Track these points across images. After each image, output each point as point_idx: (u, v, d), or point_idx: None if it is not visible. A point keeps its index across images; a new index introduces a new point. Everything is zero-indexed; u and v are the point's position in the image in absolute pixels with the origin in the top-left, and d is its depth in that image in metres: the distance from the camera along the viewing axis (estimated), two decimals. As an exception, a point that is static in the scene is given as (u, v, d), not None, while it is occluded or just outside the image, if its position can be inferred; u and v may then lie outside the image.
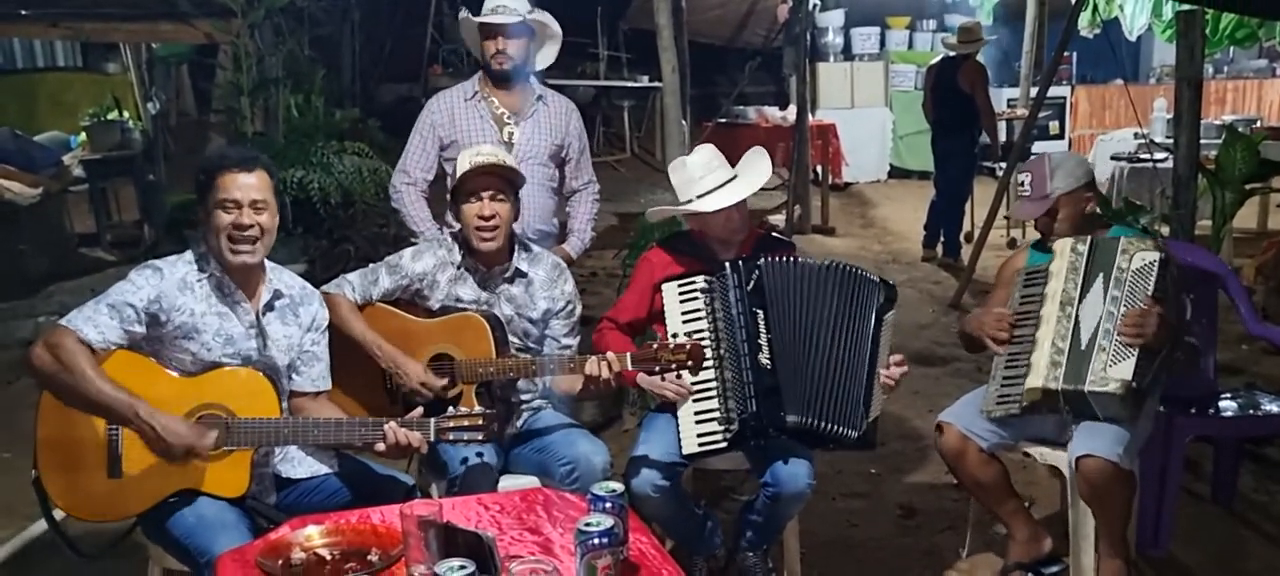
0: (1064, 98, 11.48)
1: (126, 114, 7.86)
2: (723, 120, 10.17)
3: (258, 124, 6.57)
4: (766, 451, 2.92)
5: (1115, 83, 11.16)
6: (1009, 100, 10.17)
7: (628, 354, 2.73)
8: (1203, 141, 5.06)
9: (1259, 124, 9.01)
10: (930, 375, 5.36)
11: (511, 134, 3.62)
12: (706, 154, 3.11)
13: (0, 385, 5.25)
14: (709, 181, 3.03)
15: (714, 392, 2.86)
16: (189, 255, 2.57)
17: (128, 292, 2.45)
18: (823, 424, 2.85)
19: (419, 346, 2.90)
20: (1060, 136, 11.31)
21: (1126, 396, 2.81)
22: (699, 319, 2.89)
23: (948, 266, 7.72)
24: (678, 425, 2.87)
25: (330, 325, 2.78)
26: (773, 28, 12.20)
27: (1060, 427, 3.03)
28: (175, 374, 2.49)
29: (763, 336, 2.86)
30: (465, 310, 2.95)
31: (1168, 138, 7.11)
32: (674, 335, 2.83)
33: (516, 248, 3.03)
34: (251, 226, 2.50)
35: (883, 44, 12.12)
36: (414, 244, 3.32)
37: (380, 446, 2.45)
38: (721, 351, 2.86)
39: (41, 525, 2.72)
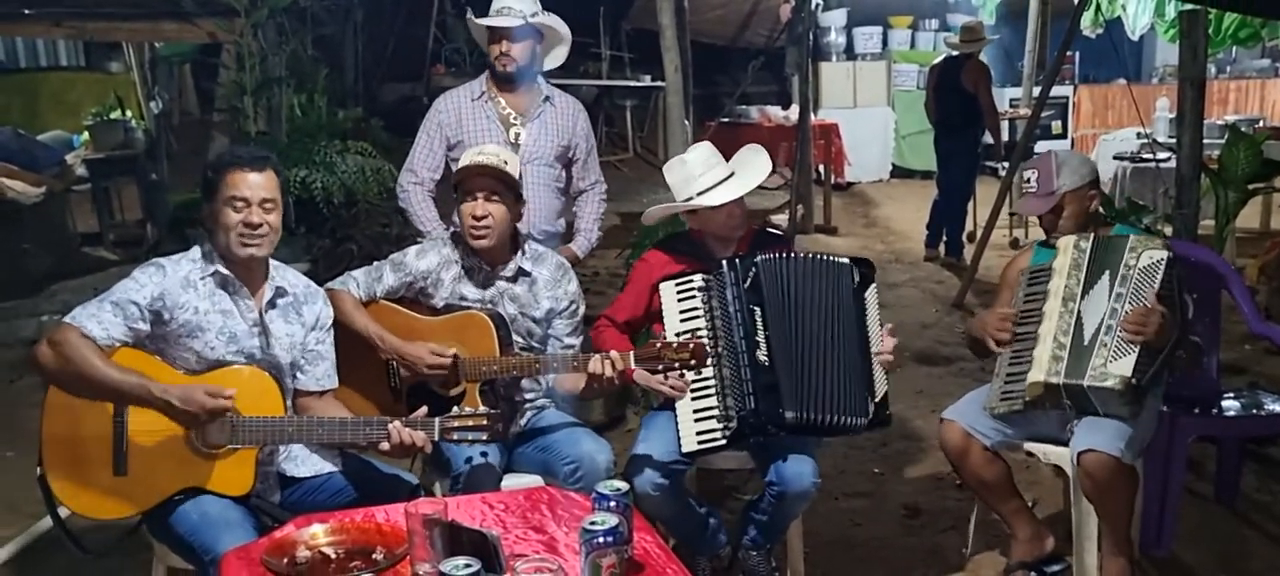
0: (1067, 97, 11.48)
1: (129, 113, 7.87)
2: (725, 120, 10.18)
3: (261, 123, 6.57)
4: (768, 448, 2.92)
5: (1118, 82, 11.14)
6: (1011, 100, 10.16)
7: (630, 353, 2.73)
8: (1205, 141, 5.06)
9: (1262, 124, 9.00)
10: (934, 374, 5.36)
11: (518, 134, 3.62)
12: (704, 151, 3.11)
13: (3, 383, 5.25)
14: (709, 178, 3.04)
15: (713, 390, 2.87)
16: (193, 253, 2.58)
17: (131, 290, 2.45)
18: (826, 417, 2.86)
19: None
20: (1063, 136, 11.31)
21: (1126, 392, 2.82)
22: (697, 317, 2.90)
23: (950, 266, 7.71)
24: (677, 423, 2.87)
25: (335, 323, 2.78)
26: (775, 27, 12.20)
27: (1062, 425, 3.03)
28: (180, 372, 2.49)
29: (760, 333, 2.86)
30: (469, 309, 2.95)
31: (1170, 137, 7.11)
32: (677, 334, 2.84)
33: (521, 247, 3.03)
34: (261, 225, 2.51)
35: (885, 43, 12.12)
36: (418, 243, 3.32)
37: (384, 445, 2.45)
38: (719, 349, 2.86)
39: (46, 522, 2.72)
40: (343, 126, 6.88)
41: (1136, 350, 2.82)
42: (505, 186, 2.93)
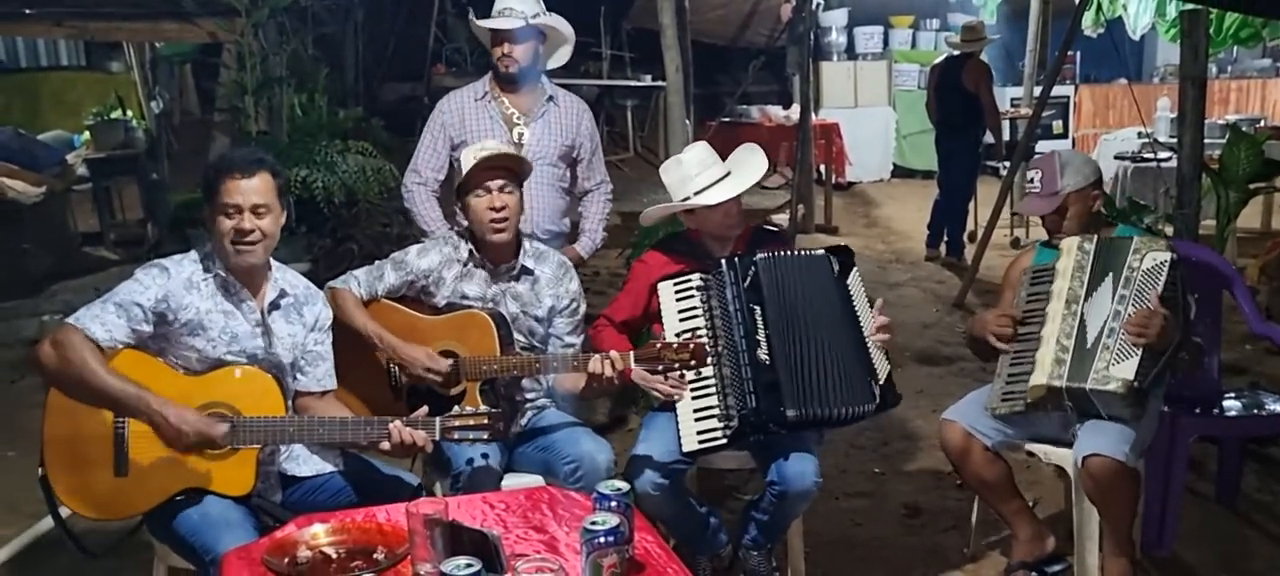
0: (1068, 97, 11.48)
1: (130, 113, 7.87)
2: (726, 119, 10.17)
3: (261, 123, 6.58)
4: (769, 447, 2.92)
5: (1119, 82, 11.14)
6: (1012, 99, 10.16)
7: (630, 353, 2.73)
8: (1207, 141, 5.06)
9: (1263, 123, 8.99)
10: (934, 374, 5.36)
11: (521, 134, 3.62)
12: (701, 151, 3.11)
13: (4, 384, 5.26)
14: (705, 177, 3.04)
15: (713, 389, 2.87)
16: (194, 254, 2.58)
17: (135, 292, 2.45)
18: (831, 410, 2.86)
19: (424, 343, 2.90)
20: (1064, 135, 11.30)
21: (1128, 395, 2.82)
22: (695, 316, 2.90)
23: (951, 266, 7.71)
24: (677, 423, 2.87)
25: (335, 323, 2.79)
26: (776, 27, 12.20)
27: (1064, 426, 3.02)
28: (181, 372, 2.50)
29: (760, 332, 2.86)
30: (471, 308, 2.95)
31: (1171, 137, 7.11)
32: (677, 334, 2.84)
33: (523, 245, 3.04)
34: (252, 231, 2.50)
35: (886, 43, 12.12)
36: (420, 242, 3.32)
37: (385, 445, 2.45)
38: (719, 348, 2.86)
39: (47, 522, 2.72)
40: (343, 126, 6.88)
41: (1139, 353, 2.81)
42: (515, 178, 2.94)
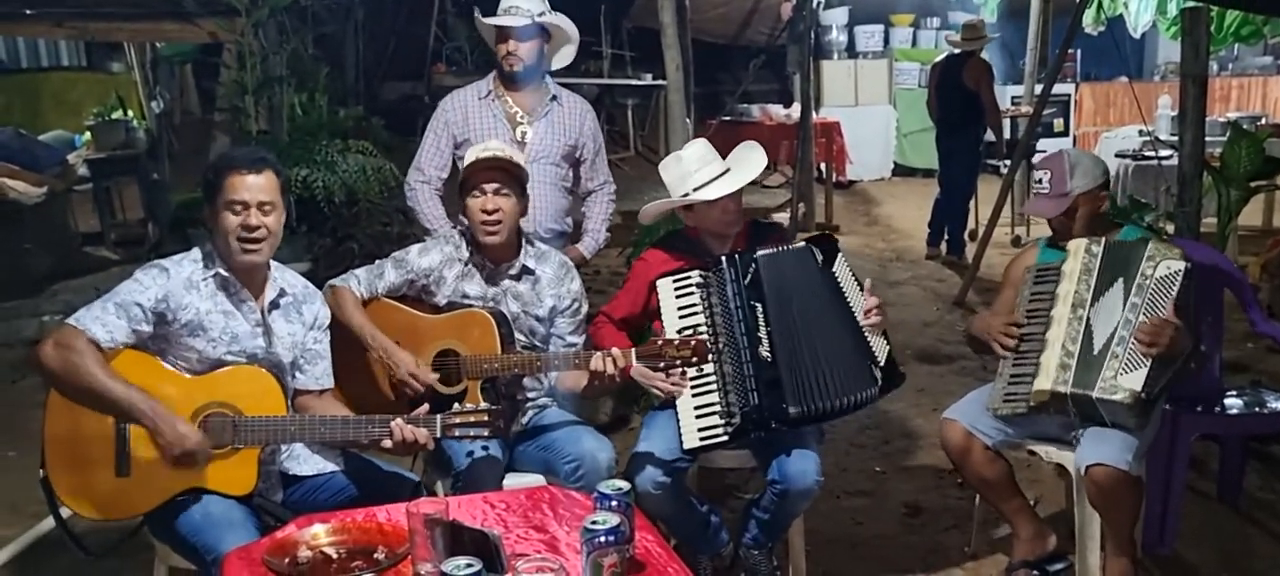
0: (1068, 95, 11.47)
1: (131, 113, 7.87)
2: (727, 118, 10.17)
3: (262, 122, 6.58)
4: (770, 446, 2.92)
5: (1120, 80, 11.13)
6: (1013, 98, 10.15)
7: (632, 350, 2.73)
8: (1208, 139, 5.05)
9: (1264, 121, 8.99)
10: (935, 373, 5.36)
11: (525, 133, 3.62)
12: (700, 148, 3.10)
13: (5, 384, 5.26)
14: (705, 173, 3.03)
15: (714, 386, 2.87)
16: (195, 254, 2.58)
17: (135, 292, 2.45)
18: (833, 403, 2.85)
19: (425, 342, 2.91)
20: (1065, 133, 11.30)
21: (1135, 405, 2.79)
22: (695, 313, 2.90)
23: (952, 264, 7.71)
24: (678, 420, 2.87)
25: (335, 322, 2.79)
26: (776, 25, 12.20)
27: (1066, 427, 3.01)
28: (182, 372, 2.50)
29: (762, 329, 2.86)
30: (471, 306, 2.95)
31: (1172, 135, 7.11)
32: (678, 331, 2.84)
33: (524, 245, 3.03)
34: (258, 227, 2.50)
35: (887, 42, 12.12)
36: (421, 241, 3.32)
37: (387, 443, 2.45)
38: (720, 345, 2.86)
39: (48, 523, 2.72)
40: (344, 125, 6.88)
41: (1149, 363, 2.78)
42: (513, 181, 2.94)
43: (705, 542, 3.11)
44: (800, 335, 2.87)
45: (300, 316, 2.67)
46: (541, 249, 3.10)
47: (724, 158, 3.11)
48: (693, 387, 2.87)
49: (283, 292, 2.65)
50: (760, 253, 2.93)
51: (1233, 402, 3.51)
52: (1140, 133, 8.06)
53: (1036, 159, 3.50)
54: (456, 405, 2.49)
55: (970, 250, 7.37)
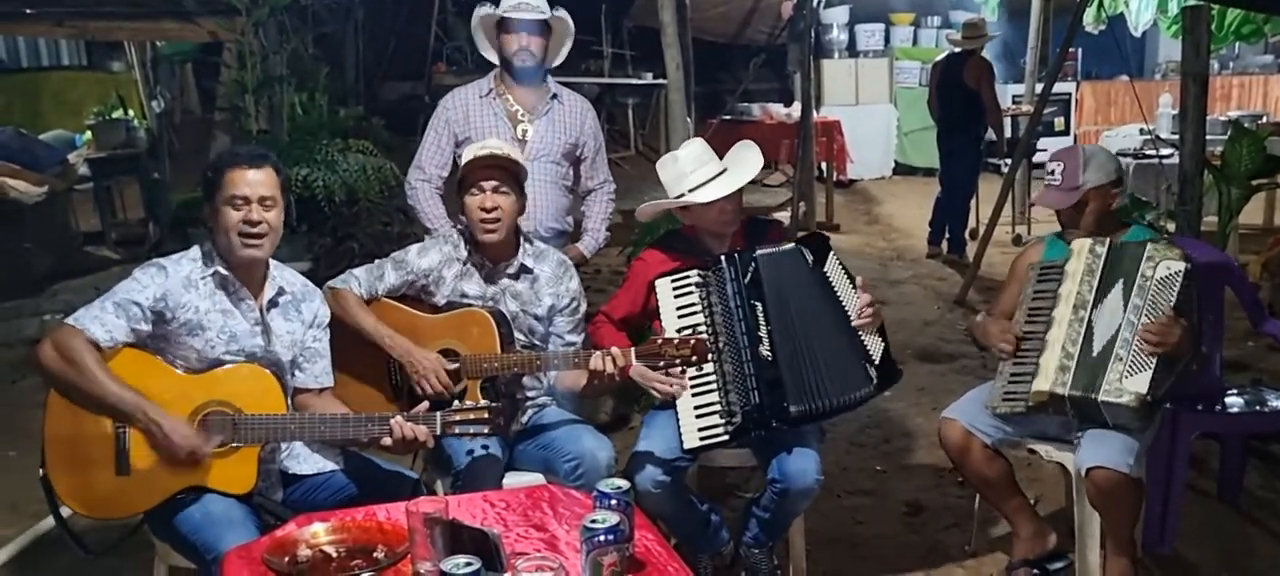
0: (1069, 94, 11.46)
1: (131, 112, 7.88)
2: (727, 117, 10.15)
3: (262, 122, 6.58)
4: (770, 445, 2.92)
5: (1121, 79, 11.13)
6: (1014, 96, 10.15)
7: (631, 349, 2.73)
8: (1208, 137, 5.05)
9: (1265, 120, 8.98)
10: (935, 371, 5.35)
11: (525, 131, 3.62)
12: (697, 148, 3.10)
13: (5, 384, 5.26)
14: (702, 174, 3.03)
15: (714, 386, 2.87)
16: (193, 253, 2.58)
17: (133, 291, 2.45)
18: (830, 401, 2.85)
19: (424, 342, 2.90)
20: (1066, 132, 11.30)
21: (1140, 408, 2.79)
22: (695, 313, 2.90)
23: (952, 263, 7.71)
24: (678, 420, 2.87)
25: (334, 320, 2.79)
26: (777, 24, 12.19)
27: (1065, 426, 3.01)
28: (181, 371, 2.49)
29: (762, 328, 2.86)
30: (471, 306, 2.95)
31: (1173, 134, 7.10)
32: (678, 331, 2.84)
33: (523, 244, 3.03)
34: (260, 222, 2.51)
35: (887, 40, 12.11)
36: (420, 240, 3.32)
37: (387, 441, 2.45)
38: (720, 344, 2.86)
39: (48, 522, 2.72)
40: (344, 125, 6.88)
41: (1154, 365, 2.78)
42: (511, 179, 2.93)
43: (705, 541, 3.11)
44: (799, 334, 2.88)
45: (299, 315, 2.67)
46: (540, 248, 3.10)
47: (722, 157, 3.10)
48: (693, 387, 2.87)
49: (281, 291, 2.65)
50: (760, 251, 2.93)
51: (1233, 401, 3.50)
52: (1141, 131, 8.06)
53: (1049, 153, 3.47)
54: (456, 403, 2.49)
55: (971, 249, 7.36)
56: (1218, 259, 3.68)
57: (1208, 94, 4.51)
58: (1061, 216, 3.12)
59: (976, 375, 4.80)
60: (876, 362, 2.90)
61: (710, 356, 2.78)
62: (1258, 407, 3.49)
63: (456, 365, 2.86)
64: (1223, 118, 8.37)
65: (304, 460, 2.68)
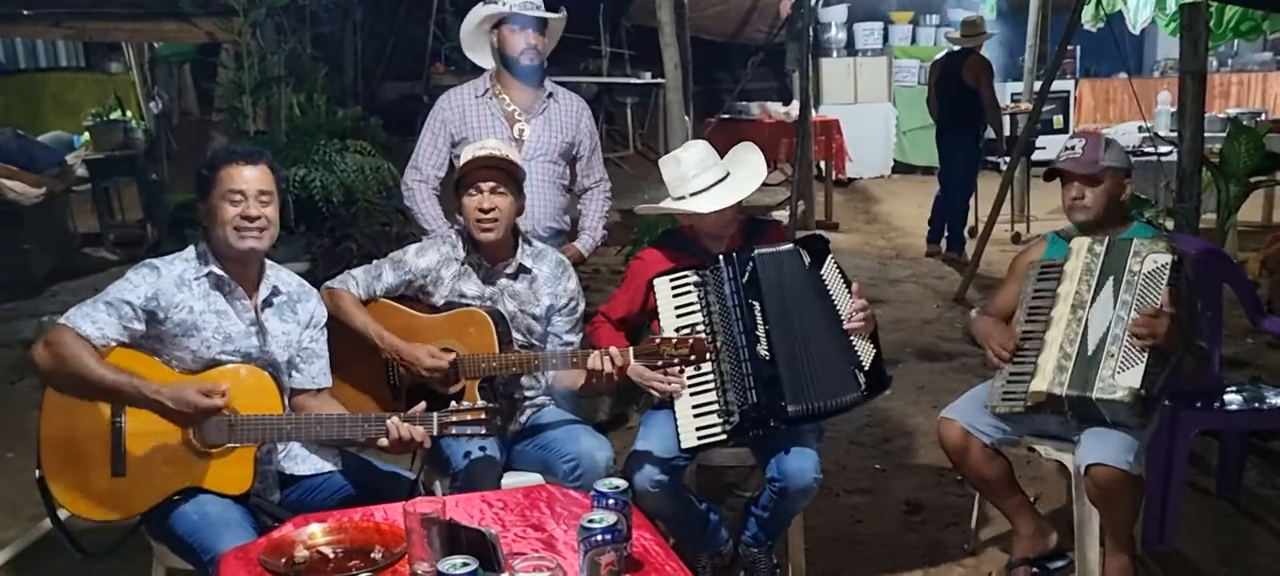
0: (1068, 92, 11.47)
1: (129, 113, 7.89)
2: (726, 116, 10.16)
3: (260, 122, 6.57)
4: (769, 444, 2.91)
5: (1119, 76, 11.14)
6: (1013, 94, 10.15)
7: (630, 348, 2.73)
8: (1207, 135, 5.05)
9: (1263, 117, 8.99)
10: (935, 370, 5.35)
11: (522, 131, 3.62)
12: (700, 151, 3.09)
13: (4, 385, 5.25)
14: (703, 179, 3.02)
15: (712, 385, 2.86)
16: (188, 253, 2.58)
17: (125, 290, 2.45)
18: (821, 404, 2.85)
19: (423, 342, 2.89)
20: (1064, 130, 11.30)
21: (1135, 404, 2.78)
22: (693, 312, 2.90)
23: (952, 261, 7.70)
24: (676, 420, 2.86)
25: (331, 320, 2.78)
26: (775, 23, 12.18)
27: (1063, 425, 3.01)
28: (176, 372, 2.49)
29: (760, 327, 2.86)
30: (469, 306, 2.94)
31: (1172, 131, 7.10)
32: (677, 331, 2.83)
33: (521, 244, 3.03)
34: (258, 217, 2.51)
35: (886, 39, 12.12)
36: (418, 241, 3.32)
37: (383, 441, 2.44)
38: (718, 344, 2.86)
39: (46, 524, 2.71)
40: (342, 125, 6.87)
41: (1145, 359, 2.78)
42: (510, 179, 2.93)
43: (704, 541, 3.10)
44: (796, 334, 2.87)
45: (295, 315, 2.67)
46: (538, 247, 3.10)
47: (723, 157, 3.10)
48: (691, 386, 2.87)
49: (276, 291, 2.65)
50: (758, 251, 2.93)
51: (1232, 398, 3.50)
52: (1140, 129, 8.06)
53: (1048, 151, 3.47)
54: (453, 404, 2.49)
55: (970, 247, 7.36)
56: (1215, 255, 3.68)
57: (1206, 91, 4.51)
58: (1078, 178, 3.03)
59: (976, 373, 4.79)
60: (866, 368, 2.89)
61: (708, 356, 2.78)
62: (1257, 405, 3.49)
63: (452, 357, 2.85)
64: (1221, 115, 8.37)
65: (301, 461, 2.68)
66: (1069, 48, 9.58)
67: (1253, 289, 3.92)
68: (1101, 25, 9.60)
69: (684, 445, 2.86)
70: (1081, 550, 3.01)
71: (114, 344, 2.42)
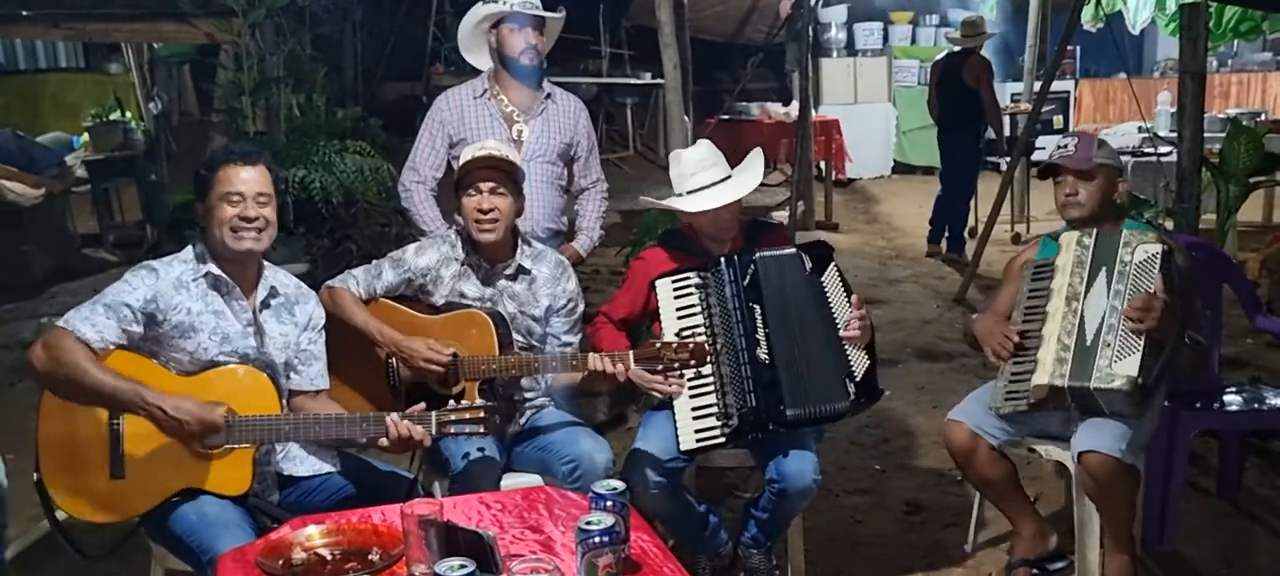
0: (1068, 92, 11.47)
1: (128, 114, 7.88)
2: (725, 116, 10.16)
3: (259, 123, 6.56)
4: (768, 445, 2.91)
5: (1119, 77, 11.13)
6: (1013, 95, 10.15)
7: (630, 352, 2.72)
8: (1207, 135, 5.05)
9: (1263, 117, 8.98)
10: (935, 370, 5.35)
11: (521, 132, 3.61)
12: (703, 150, 3.09)
13: (3, 386, 5.25)
14: (700, 178, 3.02)
15: (711, 388, 2.86)
16: (186, 254, 2.57)
17: (124, 293, 2.45)
18: (816, 409, 2.85)
19: (423, 343, 2.90)
20: (1064, 130, 11.29)
21: (1134, 392, 2.80)
22: (694, 314, 2.89)
23: (952, 262, 7.70)
24: (675, 421, 2.86)
25: (331, 320, 2.78)
26: (775, 24, 12.19)
27: (1065, 423, 3.01)
28: (175, 373, 2.48)
29: (760, 331, 2.85)
30: (469, 307, 2.94)
31: (1172, 131, 7.10)
32: (677, 333, 2.83)
33: (520, 245, 3.03)
34: (256, 218, 2.51)
35: (886, 39, 12.11)
36: (418, 241, 3.31)
37: (383, 441, 2.44)
38: (718, 346, 2.86)
39: (45, 526, 2.71)
40: (342, 126, 6.86)
41: (1141, 346, 2.80)
42: (509, 180, 2.93)
43: (704, 542, 3.10)
44: (795, 338, 2.87)
45: (293, 317, 2.66)
46: (537, 248, 3.10)
47: (733, 159, 3.10)
48: (690, 389, 2.86)
49: (274, 292, 2.64)
50: (759, 254, 2.92)
51: (1232, 399, 3.50)
52: (1139, 129, 8.06)
53: (1061, 136, 3.47)
54: (452, 402, 2.48)
55: (970, 247, 7.36)
56: (1214, 254, 3.68)
57: (1206, 91, 4.51)
58: (1071, 172, 3.05)
59: (976, 374, 4.79)
60: (857, 378, 2.88)
61: (709, 359, 2.78)
62: (1256, 405, 3.49)
63: (451, 370, 2.85)
64: (1221, 115, 8.37)
65: (300, 462, 2.68)
66: (1069, 48, 9.57)
67: (1251, 286, 3.92)
68: (1101, 25, 9.60)
69: (683, 447, 2.85)
70: (1081, 551, 3.01)
71: (113, 347, 2.41)
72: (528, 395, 3.07)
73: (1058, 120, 11.22)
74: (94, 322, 2.39)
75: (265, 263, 2.65)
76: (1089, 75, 12.05)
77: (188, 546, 2.39)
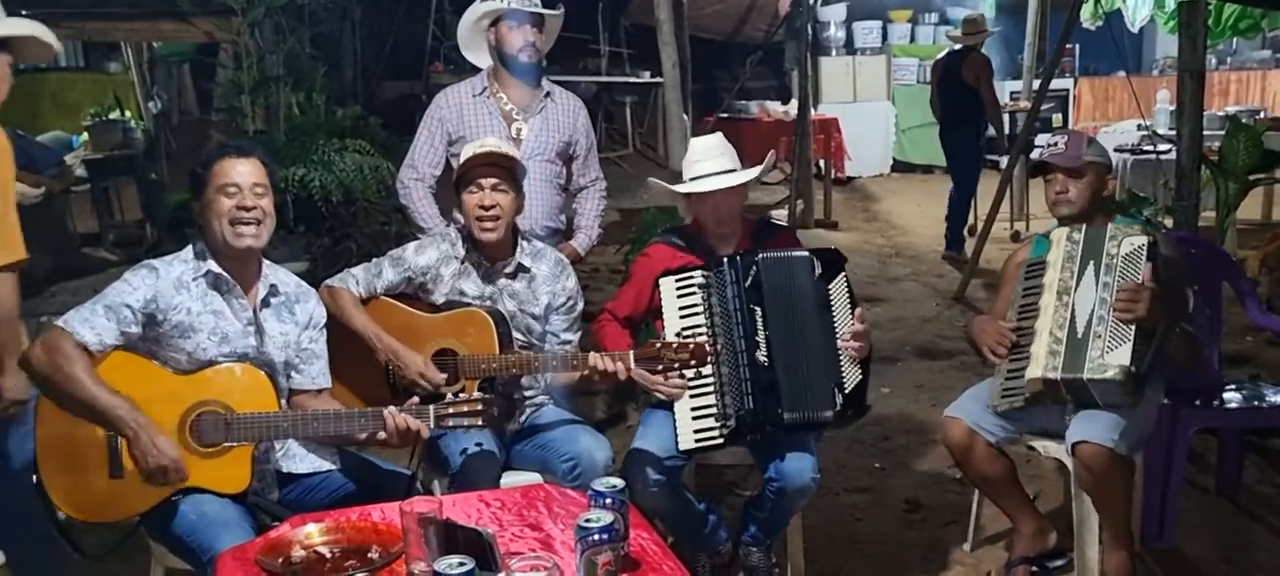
0: (1067, 90, 11.46)
1: (128, 113, 7.87)
2: (724, 115, 10.15)
3: (259, 122, 6.56)
4: (767, 445, 2.91)
5: (1118, 74, 11.13)
6: (1012, 93, 10.14)
7: (630, 352, 2.72)
8: (1206, 133, 5.05)
9: (1262, 115, 8.98)
10: (934, 368, 5.35)
11: (520, 130, 3.61)
12: (714, 140, 3.12)
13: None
14: (704, 166, 3.03)
15: (711, 388, 2.86)
16: (186, 253, 2.57)
17: (124, 293, 2.45)
18: (806, 414, 2.85)
19: (423, 341, 2.90)
20: (1063, 128, 11.28)
21: (1126, 382, 2.81)
22: (696, 314, 2.89)
23: (951, 260, 7.69)
24: (675, 421, 2.86)
25: (331, 319, 2.78)
26: (774, 22, 12.18)
27: (1062, 419, 3.01)
28: (170, 372, 2.48)
29: (760, 333, 2.85)
30: (469, 305, 2.94)
31: (1171, 129, 7.09)
32: (678, 333, 2.83)
33: (520, 243, 3.03)
34: (254, 209, 2.51)
35: (885, 38, 12.11)
36: (418, 239, 3.31)
37: (382, 434, 2.44)
38: (719, 347, 2.86)
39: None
40: (341, 125, 6.85)
41: (1131, 336, 2.81)
42: (510, 176, 2.93)
43: (703, 540, 3.10)
44: (796, 341, 2.87)
45: (293, 316, 2.66)
46: (537, 247, 3.10)
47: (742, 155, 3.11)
48: (690, 389, 2.86)
49: (274, 290, 2.64)
50: (762, 255, 2.92)
51: (1231, 396, 3.51)
52: (1139, 127, 8.06)
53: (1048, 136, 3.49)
54: (449, 395, 2.48)
55: (970, 245, 7.35)
56: (1214, 253, 3.68)
57: (1205, 89, 4.51)
58: (1061, 171, 3.08)
59: (976, 371, 4.79)
60: (846, 390, 2.87)
61: (709, 360, 2.78)
62: (1256, 402, 3.49)
63: (451, 368, 2.85)
64: (1220, 113, 8.37)
65: (300, 459, 2.67)
66: (1068, 46, 9.56)
67: (1251, 284, 3.93)
68: (1100, 23, 9.60)
69: (681, 447, 2.85)
70: (1080, 548, 3.02)
71: (111, 349, 2.41)
72: (527, 393, 3.08)
73: (1057, 118, 11.21)
74: (93, 324, 2.39)
75: (265, 260, 2.64)
76: (1088, 73, 12.05)
77: (187, 545, 2.39)
